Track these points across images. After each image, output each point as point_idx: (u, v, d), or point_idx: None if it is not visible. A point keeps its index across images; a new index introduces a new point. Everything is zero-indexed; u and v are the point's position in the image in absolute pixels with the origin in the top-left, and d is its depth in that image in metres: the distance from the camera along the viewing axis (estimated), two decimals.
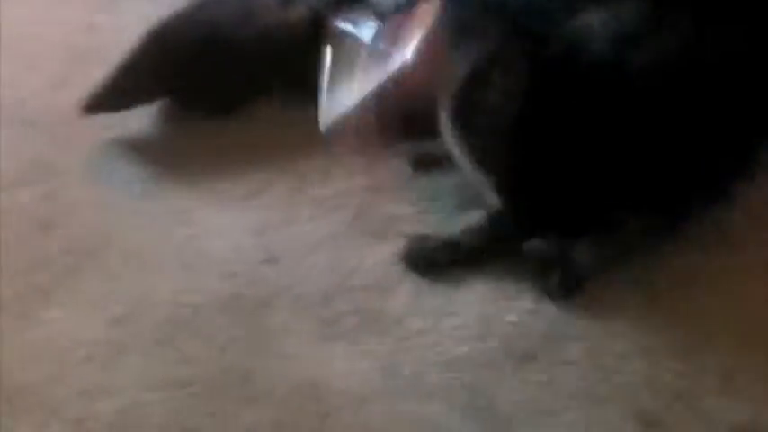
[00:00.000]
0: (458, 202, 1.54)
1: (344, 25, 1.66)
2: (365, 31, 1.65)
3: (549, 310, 1.39)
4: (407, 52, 1.38)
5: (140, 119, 1.63)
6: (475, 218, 1.45)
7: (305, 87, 1.65)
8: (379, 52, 1.44)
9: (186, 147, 1.60)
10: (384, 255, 1.47)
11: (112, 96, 1.60)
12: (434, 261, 1.46)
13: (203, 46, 1.60)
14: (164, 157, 1.59)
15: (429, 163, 1.58)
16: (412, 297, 1.41)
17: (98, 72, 1.60)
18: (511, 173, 1.37)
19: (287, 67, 1.63)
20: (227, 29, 1.62)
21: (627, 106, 1.31)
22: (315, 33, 1.65)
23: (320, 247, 1.48)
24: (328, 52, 1.55)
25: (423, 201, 1.55)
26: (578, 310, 1.39)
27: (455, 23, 1.34)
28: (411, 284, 1.43)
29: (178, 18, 1.62)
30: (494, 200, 1.42)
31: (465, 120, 1.33)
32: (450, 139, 1.38)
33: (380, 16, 1.69)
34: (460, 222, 1.48)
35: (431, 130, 1.42)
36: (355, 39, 1.65)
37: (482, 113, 1.31)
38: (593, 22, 1.29)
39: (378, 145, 1.41)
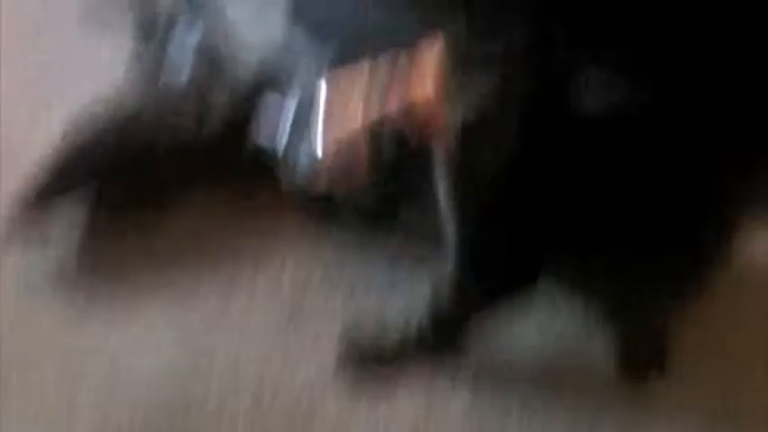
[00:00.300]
0: (392, 287, 1.52)
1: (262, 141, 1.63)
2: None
3: (485, 407, 1.36)
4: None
5: (64, 235, 1.56)
6: (412, 309, 1.42)
7: (229, 184, 1.63)
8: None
9: (112, 258, 1.55)
10: (317, 355, 1.43)
11: (34, 201, 1.56)
12: (371, 356, 1.42)
13: (122, 153, 1.56)
14: (89, 270, 1.54)
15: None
16: (344, 403, 1.38)
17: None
18: (494, 221, 1.30)
19: (209, 164, 1.60)
20: (145, 133, 1.58)
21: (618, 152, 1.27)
22: (234, 130, 1.63)
23: (250, 351, 1.44)
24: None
25: (357, 288, 1.53)
26: (515, 408, 1.36)
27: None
28: (343, 387, 1.40)
29: (95, 127, 1.58)
30: (449, 264, 1.35)
31: (461, 163, 1.28)
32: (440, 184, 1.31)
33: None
34: (395, 310, 1.45)
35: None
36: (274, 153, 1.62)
37: (479, 157, 1.27)
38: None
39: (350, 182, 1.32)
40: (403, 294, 1.50)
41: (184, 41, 1.79)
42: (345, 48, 1.74)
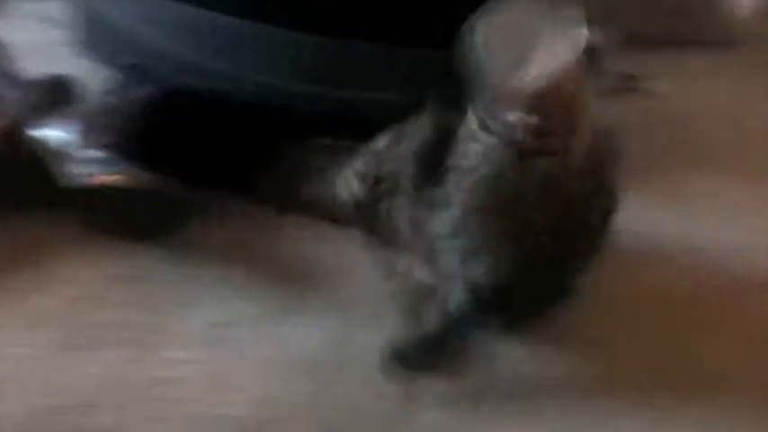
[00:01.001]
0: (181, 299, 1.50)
1: (42, 132, 1.62)
2: (63, 134, 1.62)
3: None
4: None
5: None
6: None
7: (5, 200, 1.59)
8: None
9: None
10: (98, 368, 1.38)
11: None
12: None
13: None
14: None
15: None
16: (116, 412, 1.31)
17: None
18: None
19: None
20: None
21: None
22: (10, 146, 1.61)
23: (28, 367, 1.38)
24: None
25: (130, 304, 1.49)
26: None
27: None
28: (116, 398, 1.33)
29: None
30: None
31: None
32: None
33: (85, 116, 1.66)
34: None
35: None
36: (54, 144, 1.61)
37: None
38: None
39: None
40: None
41: None
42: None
